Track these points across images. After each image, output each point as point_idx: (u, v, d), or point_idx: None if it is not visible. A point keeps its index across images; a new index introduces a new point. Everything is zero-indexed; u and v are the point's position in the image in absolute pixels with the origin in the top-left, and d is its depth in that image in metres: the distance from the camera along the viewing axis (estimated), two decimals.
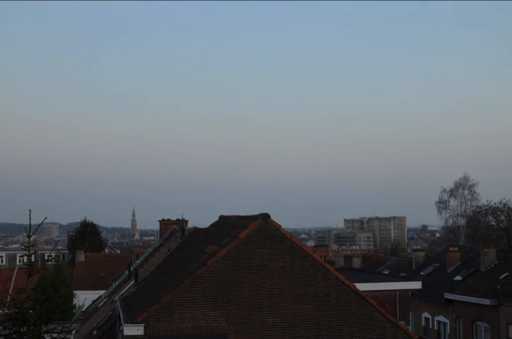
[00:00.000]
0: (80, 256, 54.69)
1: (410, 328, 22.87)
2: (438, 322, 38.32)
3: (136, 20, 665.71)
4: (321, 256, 20.63)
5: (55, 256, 51.37)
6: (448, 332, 37.28)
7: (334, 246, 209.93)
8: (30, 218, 14.66)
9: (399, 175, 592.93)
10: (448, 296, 36.88)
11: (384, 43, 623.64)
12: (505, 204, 72.62)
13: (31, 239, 14.54)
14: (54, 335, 13.93)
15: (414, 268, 45.22)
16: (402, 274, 42.90)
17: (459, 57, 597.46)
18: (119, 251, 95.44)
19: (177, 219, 33.01)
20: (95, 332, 26.32)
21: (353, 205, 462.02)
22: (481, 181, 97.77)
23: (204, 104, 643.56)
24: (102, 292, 39.01)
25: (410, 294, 21.69)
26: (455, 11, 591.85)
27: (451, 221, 78.70)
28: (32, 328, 13.62)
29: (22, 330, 13.64)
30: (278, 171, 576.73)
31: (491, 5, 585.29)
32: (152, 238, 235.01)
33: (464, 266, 39.99)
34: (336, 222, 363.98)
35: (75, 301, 43.56)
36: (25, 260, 14.62)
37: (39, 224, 14.68)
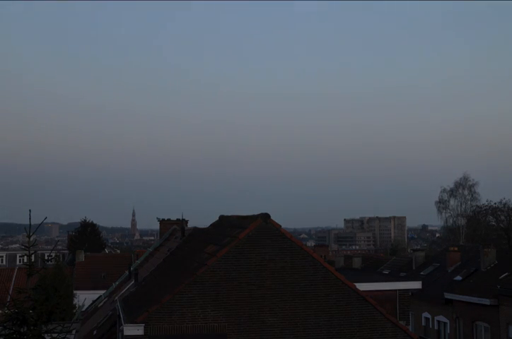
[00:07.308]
0: (80, 256, 54.67)
1: (410, 328, 22.83)
2: (438, 322, 38.33)
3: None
4: (321, 256, 20.60)
5: (55, 256, 51.46)
6: (448, 332, 37.29)
7: (334, 246, 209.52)
8: (30, 218, 14.68)
9: (399, 175, 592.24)
10: (448, 296, 36.89)
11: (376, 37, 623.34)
12: (505, 204, 72.86)
13: (31, 239, 14.55)
14: (54, 335, 13.94)
15: (414, 267, 45.23)
16: (402, 274, 42.91)
17: (463, 58, 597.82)
18: (119, 251, 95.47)
19: (177, 219, 32.99)
20: (95, 332, 26.32)
21: (353, 205, 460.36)
22: (481, 181, 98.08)
23: (203, 105, 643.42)
24: (102, 292, 38.98)
25: (410, 294, 21.63)
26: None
27: (451, 221, 79.01)
28: (32, 328, 13.63)
29: (22, 330, 13.66)
30: (279, 171, 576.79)
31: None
32: (152, 238, 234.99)
33: (465, 266, 40.02)
34: (336, 222, 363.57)
35: (75, 301, 43.57)
36: (25, 260, 14.64)
37: (39, 224, 14.69)
